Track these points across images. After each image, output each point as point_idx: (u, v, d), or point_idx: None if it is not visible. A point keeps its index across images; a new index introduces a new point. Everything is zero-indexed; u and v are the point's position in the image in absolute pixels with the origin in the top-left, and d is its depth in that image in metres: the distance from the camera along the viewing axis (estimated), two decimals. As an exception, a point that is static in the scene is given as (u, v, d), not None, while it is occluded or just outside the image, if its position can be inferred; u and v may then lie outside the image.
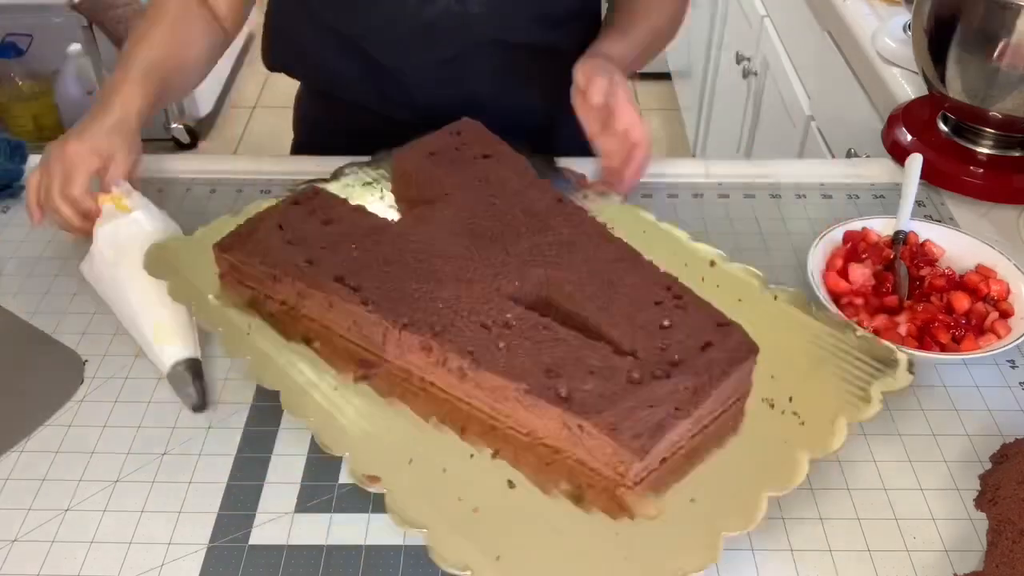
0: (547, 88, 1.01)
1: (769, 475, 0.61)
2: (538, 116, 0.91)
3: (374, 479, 0.61)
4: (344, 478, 0.65)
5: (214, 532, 0.62)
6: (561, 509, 0.60)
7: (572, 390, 0.62)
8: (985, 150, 0.96)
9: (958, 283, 0.79)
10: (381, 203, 0.85)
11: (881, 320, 0.75)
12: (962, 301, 0.76)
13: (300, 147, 1.15)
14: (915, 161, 0.91)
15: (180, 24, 0.90)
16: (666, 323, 0.67)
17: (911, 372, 0.68)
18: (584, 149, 0.90)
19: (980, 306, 0.76)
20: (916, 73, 1.07)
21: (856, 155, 1.26)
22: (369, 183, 0.87)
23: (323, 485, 0.65)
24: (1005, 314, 0.76)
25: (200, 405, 0.70)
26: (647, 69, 3.06)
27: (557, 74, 0.91)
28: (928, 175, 0.92)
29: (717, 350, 0.65)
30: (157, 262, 0.77)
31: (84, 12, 2.18)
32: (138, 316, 0.74)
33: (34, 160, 0.98)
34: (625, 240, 0.75)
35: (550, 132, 1.00)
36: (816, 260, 0.80)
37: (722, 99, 2.27)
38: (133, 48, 0.87)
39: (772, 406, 0.66)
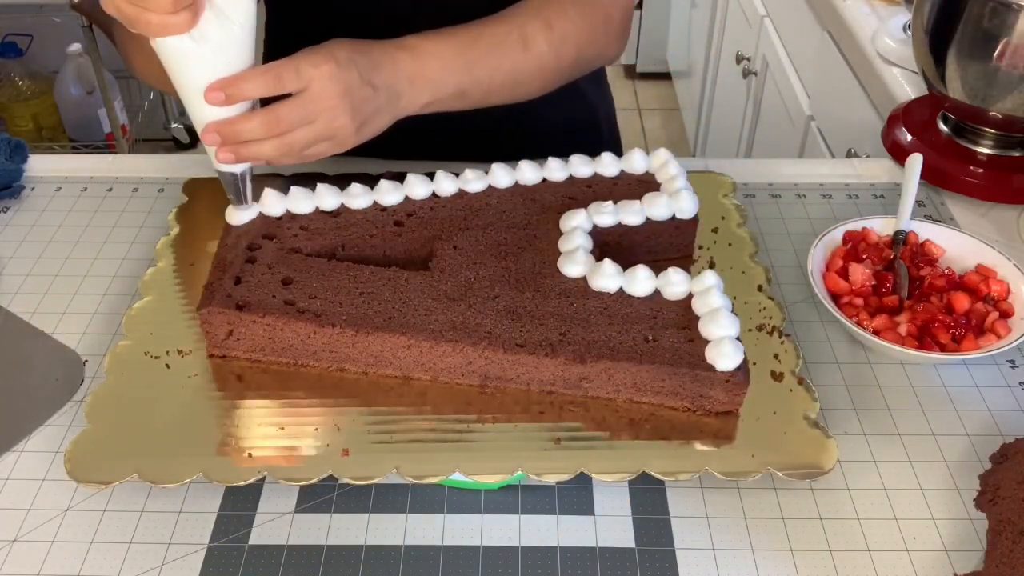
0: None
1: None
2: None
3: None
4: (344, 478, 0.65)
5: (214, 532, 0.62)
6: None
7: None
8: (985, 150, 0.96)
9: (958, 283, 0.79)
10: None
11: (881, 320, 0.75)
12: (962, 301, 0.76)
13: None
14: (915, 161, 0.91)
15: None
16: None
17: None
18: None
19: (980, 306, 0.76)
20: (916, 73, 1.07)
21: (856, 155, 1.26)
22: None
23: (323, 485, 0.64)
24: (1005, 314, 0.76)
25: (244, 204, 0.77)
26: (647, 69, 3.10)
27: None
28: (928, 175, 0.92)
29: None
30: None
31: (84, 12, 2.18)
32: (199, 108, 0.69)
33: (34, 160, 0.98)
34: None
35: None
36: (816, 260, 0.80)
37: (722, 99, 2.27)
38: None
39: None
